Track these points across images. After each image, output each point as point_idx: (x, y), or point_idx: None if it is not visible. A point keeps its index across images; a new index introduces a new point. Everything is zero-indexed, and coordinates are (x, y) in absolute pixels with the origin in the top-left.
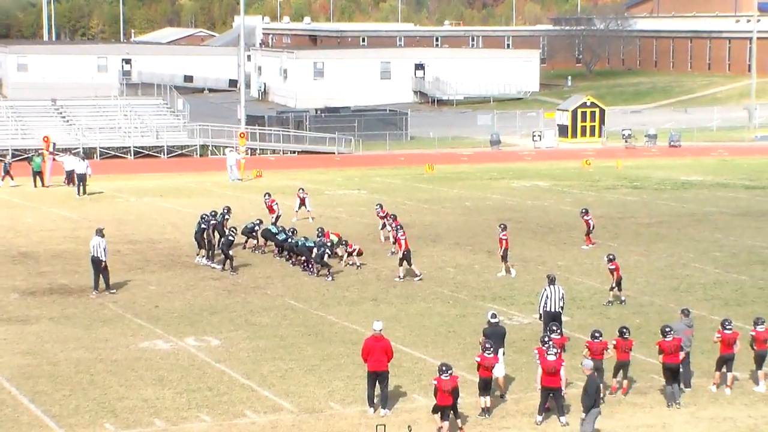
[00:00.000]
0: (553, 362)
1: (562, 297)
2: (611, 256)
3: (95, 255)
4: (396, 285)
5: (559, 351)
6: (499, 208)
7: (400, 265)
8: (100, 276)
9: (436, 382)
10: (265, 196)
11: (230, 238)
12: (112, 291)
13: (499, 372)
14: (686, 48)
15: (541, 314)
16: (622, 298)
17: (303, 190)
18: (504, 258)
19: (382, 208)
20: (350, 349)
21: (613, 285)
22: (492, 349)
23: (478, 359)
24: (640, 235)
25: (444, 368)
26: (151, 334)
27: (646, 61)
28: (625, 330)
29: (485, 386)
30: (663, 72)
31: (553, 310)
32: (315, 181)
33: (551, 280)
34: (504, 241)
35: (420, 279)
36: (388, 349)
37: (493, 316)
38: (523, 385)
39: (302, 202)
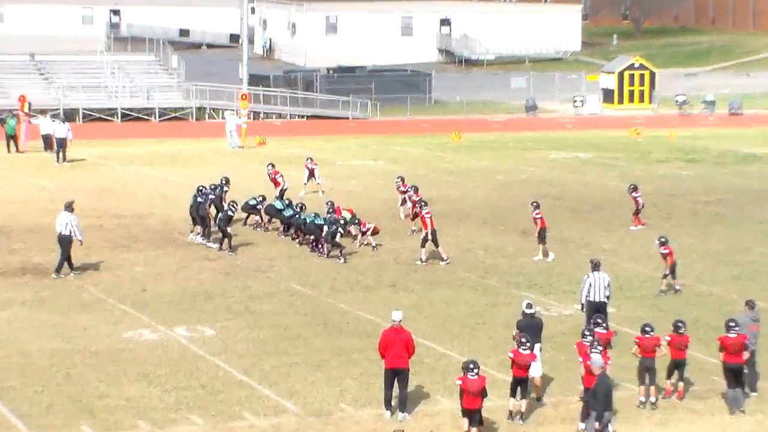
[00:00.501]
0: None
1: (608, 285)
2: (663, 239)
3: (63, 233)
4: (417, 269)
5: (603, 347)
6: (534, 182)
7: (423, 246)
8: (68, 256)
9: (460, 382)
10: (268, 166)
11: (229, 213)
12: (76, 272)
13: (535, 371)
14: (748, 2)
15: (583, 305)
16: (677, 287)
17: (312, 159)
18: (541, 239)
19: (403, 182)
20: (364, 343)
21: (666, 272)
22: (528, 345)
23: (512, 356)
24: (696, 214)
25: (470, 366)
26: (136, 322)
27: (702, 18)
28: (680, 324)
29: (519, 387)
30: (721, 30)
31: (597, 299)
32: (326, 150)
33: (595, 266)
34: (539, 221)
35: (447, 263)
36: (409, 342)
37: (529, 306)
38: (564, 386)
39: (311, 174)
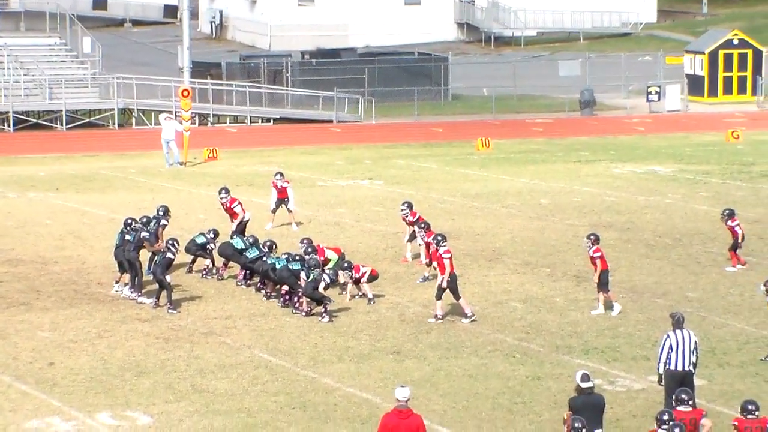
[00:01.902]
0: None
1: (695, 348)
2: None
3: None
4: (431, 329)
5: None
6: (593, 207)
7: (439, 297)
8: None
9: None
10: (221, 192)
11: (169, 256)
12: None
13: None
14: None
15: (661, 375)
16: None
17: (282, 176)
18: (602, 286)
19: (411, 209)
20: (357, 431)
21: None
22: (584, 431)
23: None
24: None
25: None
26: (42, 408)
27: None
28: (750, 406)
29: None
30: None
31: (680, 368)
32: (302, 166)
33: (677, 322)
34: (598, 260)
35: (472, 320)
36: (419, 429)
37: (585, 378)
38: None
39: (281, 196)
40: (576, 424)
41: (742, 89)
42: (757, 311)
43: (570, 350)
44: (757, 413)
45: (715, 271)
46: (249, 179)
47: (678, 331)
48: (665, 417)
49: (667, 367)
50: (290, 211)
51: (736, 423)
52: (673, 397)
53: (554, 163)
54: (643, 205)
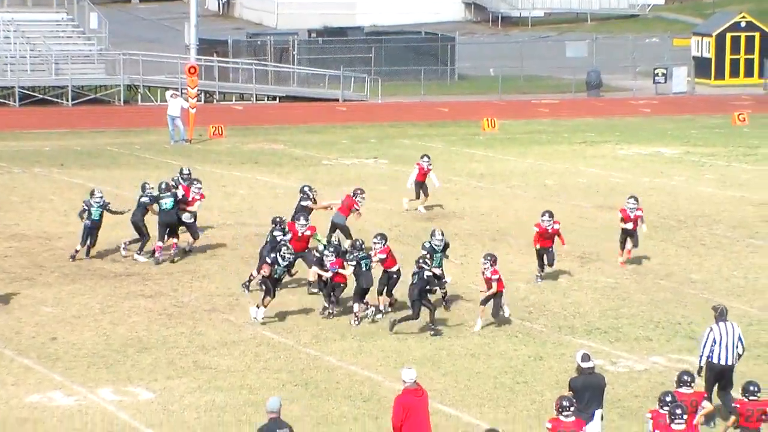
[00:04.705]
0: None
1: (739, 340)
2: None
3: None
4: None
5: (688, 416)
6: (598, 189)
7: (484, 303)
8: None
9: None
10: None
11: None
12: None
13: None
14: None
15: (701, 367)
16: None
17: (429, 158)
18: (484, 302)
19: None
20: (359, 410)
21: None
22: (572, 410)
23: (549, 426)
24: None
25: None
26: (44, 382)
27: None
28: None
29: None
30: None
31: (722, 362)
32: (307, 145)
33: (720, 315)
34: (495, 283)
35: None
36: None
37: (586, 358)
38: None
39: (420, 180)
40: (564, 402)
41: (749, 72)
42: (761, 293)
43: (572, 330)
44: (758, 395)
45: (720, 254)
46: (254, 157)
47: (722, 324)
48: (668, 398)
49: (710, 360)
50: (426, 195)
51: (738, 405)
52: (675, 379)
53: (560, 144)
54: (648, 186)
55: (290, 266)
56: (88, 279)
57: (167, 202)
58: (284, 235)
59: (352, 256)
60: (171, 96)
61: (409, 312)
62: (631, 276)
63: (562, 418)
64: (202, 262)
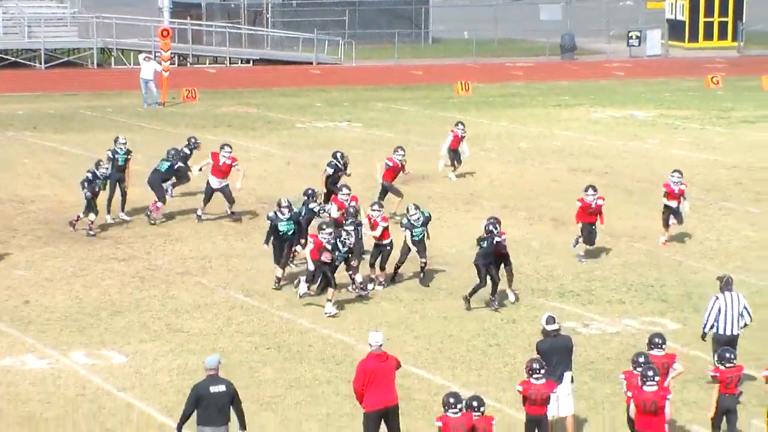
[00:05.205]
0: (651, 395)
1: (746, 310)
2: None
3: None
4: (407, 271)
5: (660, 377)
6: (571, 152)
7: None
8: None
9: (440, 424)
10: (223, 149)
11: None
12: None
13: (565, 409)
14: None
15: (705, 333)
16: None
17: (464, 125)
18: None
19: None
20: (332, 372)
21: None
22: (542, 372)
23: (521, 389)
24: None
25: (451, 401)
26: (16, 346)
27: None
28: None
29: (536, 430)
30: None
31: (728, 333)
32: (281, 108)
33: (726, 284)
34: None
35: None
36: (396, 367)
37: (550, 320)
38: (607, 430)
39: (454, 147)
40: (534, 365)
41: (722, 35)
42: (733, 256)
43: (545, 293)
44: (734, 361)
45: (693, 216)
46: (227, 120)
47: (727, 293)
48: (640, 359)
49: (715, 330)
50: (460, 163)
51: (717, 374)
52: (647, 341)
53: (534, 107)
54: (621, 149)
55: (350, 252)
56: (61, 242)
57: (163, 165)
58: (318, 206)
59: (348, 222)
60: (144, 59)
61: (476, 283)
62: (604, 238)
63: (533, 380)
64: (174, 225)
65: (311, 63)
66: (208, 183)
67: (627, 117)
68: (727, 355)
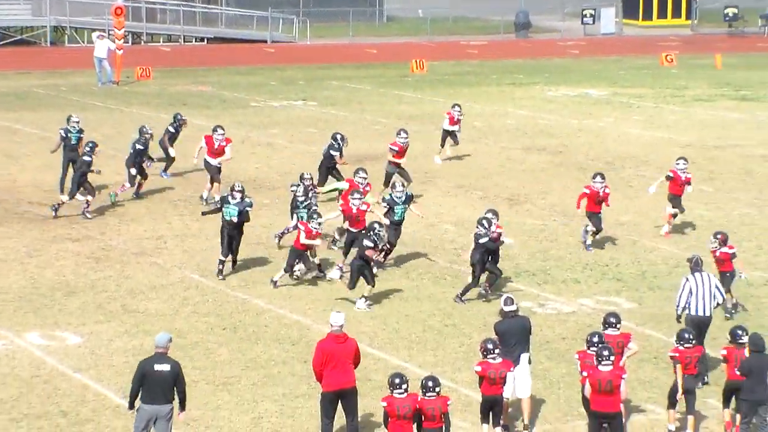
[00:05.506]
0: (606, 374)
1: (717, 289)
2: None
3: None
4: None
5: (615, 357)
6: (526, 131)
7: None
8: None
9: (385, 404)
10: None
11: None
12: None
13: (522, 391)
14: None
15: (679, 315)
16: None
17: (460, 108)
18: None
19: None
20: (289, 353)
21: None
22: (497, 352)
23: (479, 369)
24: (750, 174)
25: (396, 381)
26: None
27: None
28: (740, 332)
29: (491, 410)
30: None
31: (700, 313)
32: (236, 87)
33: (696, 265)
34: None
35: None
36: (355, 354)
37: (508, 301)
38: (562, 410)
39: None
40: (488, 345)
41: (676, 13)
42: (686, 235)
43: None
44: (693, 342)
45: (647, 195)
46: (182, 99)
47: (697, 275)
48: (595, 339)
49: (687, 312)
50: (456, 144)
51: (677, 354)
52: (602, 321)
53: (488, 85)
54: (576, 128)
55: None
56: (15, 222)
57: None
58: (306, 194)
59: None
60: (98, 37)
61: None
62: (559, 218)
63: (489, 360)
64: (129, 205)
65: (266, 41)
66: (206, 162)
67: (581, 95)
68: (686, 335)
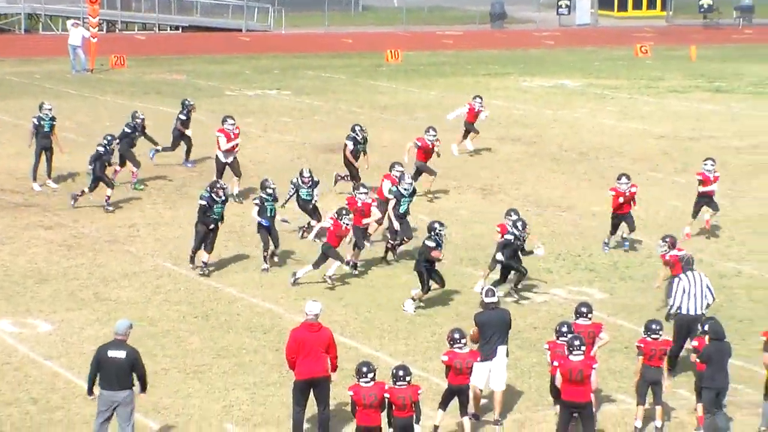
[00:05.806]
0: (577, 364)
1: (708, 289)
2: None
3: None
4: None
5: (586, 347)
6: (500, 121)
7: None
8: None
9: (351, 393)
10: (226, 122)
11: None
12: None
13: (496, 383)
14: None
15: (670, 315)
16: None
17: (482, 99)
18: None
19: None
20: (260, 341)
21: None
22: (463, 342)
23: (446, 358)
24: (724, 166)
25: (363, 369)
26: None
27: None
28: (654, 326)
29: (455, 398)
30: None
31: (692, 312)
32: (210, 75)
33: (687, 264)
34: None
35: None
36: (330, 344)
37: (489, 293)
38: (533, 399)
39: (470, 120)
40: (455, 335)
41: (651, 4)
42: (660, 227)
43: (474, 262)
44: (661, 333)
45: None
46: (156, 87)
47: (690, 273)
48: (564, 329)
49: (679, 311)
50: (477, 132)
51: (642, 345)
52: (574, 310)
53: (463, 75)
54: (550, 118)
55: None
56: None
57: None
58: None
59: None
60: (72, 25)
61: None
62: (532, 208)
63: (456, 349)
64: (102, 193)
65: (240, 30)
66: (217, 158)
67: (556, 86)
68: (653, 326)
